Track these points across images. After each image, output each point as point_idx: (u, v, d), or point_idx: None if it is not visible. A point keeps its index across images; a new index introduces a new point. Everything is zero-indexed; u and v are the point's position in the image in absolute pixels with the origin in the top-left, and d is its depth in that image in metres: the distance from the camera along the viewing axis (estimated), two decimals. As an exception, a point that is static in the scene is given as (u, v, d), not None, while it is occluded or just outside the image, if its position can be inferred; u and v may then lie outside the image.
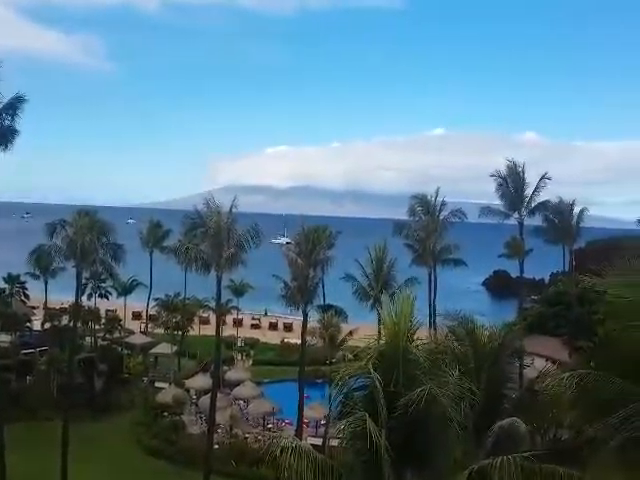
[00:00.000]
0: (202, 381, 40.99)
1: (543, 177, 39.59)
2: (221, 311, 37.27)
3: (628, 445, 8.83)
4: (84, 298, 49.60)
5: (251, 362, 53.83)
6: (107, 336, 51.19)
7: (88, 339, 50.86)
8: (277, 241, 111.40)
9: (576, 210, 41.75)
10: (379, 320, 22.88)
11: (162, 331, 51.61)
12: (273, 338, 61.69)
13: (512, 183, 39.73)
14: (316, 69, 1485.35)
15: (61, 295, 56.59)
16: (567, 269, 44.50)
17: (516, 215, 40.00)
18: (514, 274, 54.34)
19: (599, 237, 76.08)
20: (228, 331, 57.02)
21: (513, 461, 10.03)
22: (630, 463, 9.16)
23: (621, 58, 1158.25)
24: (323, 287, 42.48)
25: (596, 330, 31.01)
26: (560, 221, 41.05)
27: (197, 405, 39.62)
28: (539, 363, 28.51)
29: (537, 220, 41.78)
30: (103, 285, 53.42)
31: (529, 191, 39.67)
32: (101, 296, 54.47)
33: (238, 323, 60.89)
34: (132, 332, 55.79)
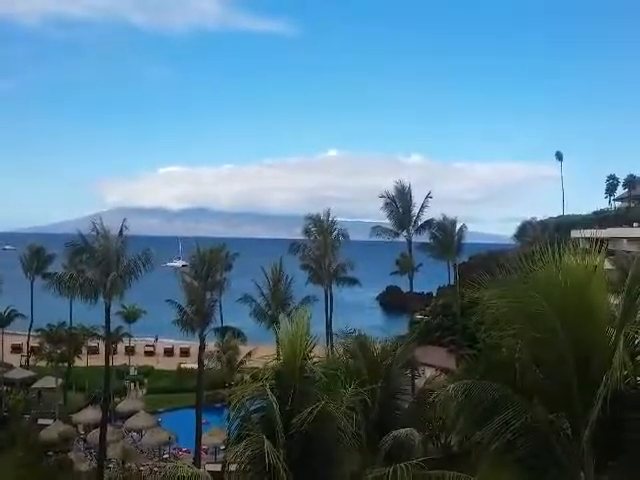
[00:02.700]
0: (91, 414, 38.54)
1: (427, 196, 42.02)
2: (111, 339, 35.46)
3: (507, 446, 9.55)
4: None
5: (145, 391, 51.46)
6: (-19, 373, 46.77)
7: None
8: (172, 264, 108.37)
9: (458, 227, 44.56)
10: (277, 340, 23.02)
11: (46, 364, 48.04)
12: (169, 364, 59.44)
13: (400, 203, 41.75)
14: (207, 89, 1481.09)
15: None
16: (452, 282, 47.16)
17: (405, 233, 42.03)
18: (405, 289, 56.73)
19: (480, 252, 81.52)
20: (120, 360, 54.16)
21: (405, 469, 10.46)
22: (509, 463, 9.91)
23: (492, 88, 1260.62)
24: (221, 309, 41.85)
25: (478, 339, 33.15)
26: (444, 237, 43.60)
27: (86, 441, 37.17)
28: (429, 373, 29.88)
29: (425, 237, 44.13)
30: (-24, 318, 48.93)
31: (416, 210, 41.93)
32: (-26, 330, 49.80)
33: (130, 351, 58.06)
34: (11, 367, 51.38)
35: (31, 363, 52.45)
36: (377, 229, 43.20)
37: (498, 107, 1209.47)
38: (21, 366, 52.38)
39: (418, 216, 41.69)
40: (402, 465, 10.70)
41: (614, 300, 10.93)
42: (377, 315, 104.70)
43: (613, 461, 9.52)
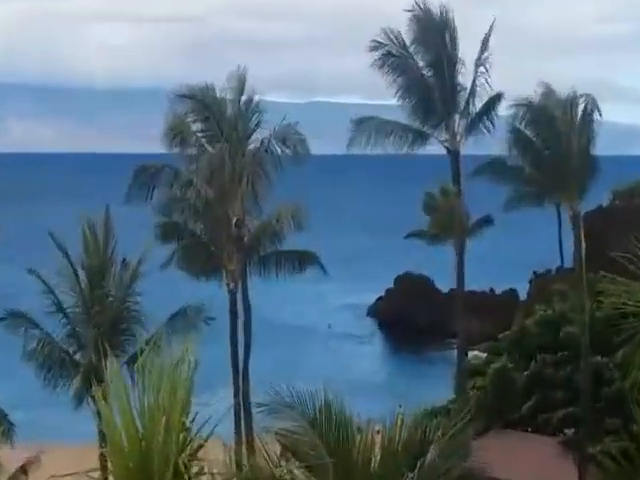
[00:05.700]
0: None
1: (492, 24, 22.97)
2: None
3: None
4: None
5: None
6: None
7: None
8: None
9: (580, 107, 22.15)
10: (101, 424, 10.18)
11: None
12: None
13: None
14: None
15: None
16: (565, 261, 32.04)
17: (444, 131, 24.89)
18: (440, 279, 42.73)
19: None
20: None
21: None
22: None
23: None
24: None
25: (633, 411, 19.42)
26: (545, 137, 20.03)
27: None
28: None
29: (485, 147, 25.48)
30: None
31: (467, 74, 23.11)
32: None
33: None
34: None
35: None
36: (385, 125, 20.79)
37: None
38: None
39: (473, 87, 18.66)
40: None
41: None
42: (368, 350, 52.32)
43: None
